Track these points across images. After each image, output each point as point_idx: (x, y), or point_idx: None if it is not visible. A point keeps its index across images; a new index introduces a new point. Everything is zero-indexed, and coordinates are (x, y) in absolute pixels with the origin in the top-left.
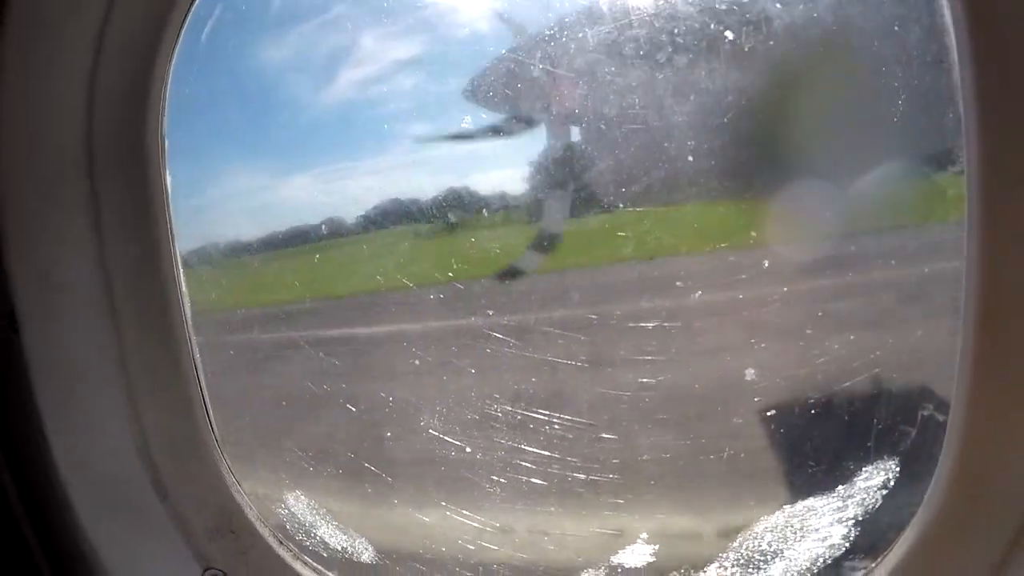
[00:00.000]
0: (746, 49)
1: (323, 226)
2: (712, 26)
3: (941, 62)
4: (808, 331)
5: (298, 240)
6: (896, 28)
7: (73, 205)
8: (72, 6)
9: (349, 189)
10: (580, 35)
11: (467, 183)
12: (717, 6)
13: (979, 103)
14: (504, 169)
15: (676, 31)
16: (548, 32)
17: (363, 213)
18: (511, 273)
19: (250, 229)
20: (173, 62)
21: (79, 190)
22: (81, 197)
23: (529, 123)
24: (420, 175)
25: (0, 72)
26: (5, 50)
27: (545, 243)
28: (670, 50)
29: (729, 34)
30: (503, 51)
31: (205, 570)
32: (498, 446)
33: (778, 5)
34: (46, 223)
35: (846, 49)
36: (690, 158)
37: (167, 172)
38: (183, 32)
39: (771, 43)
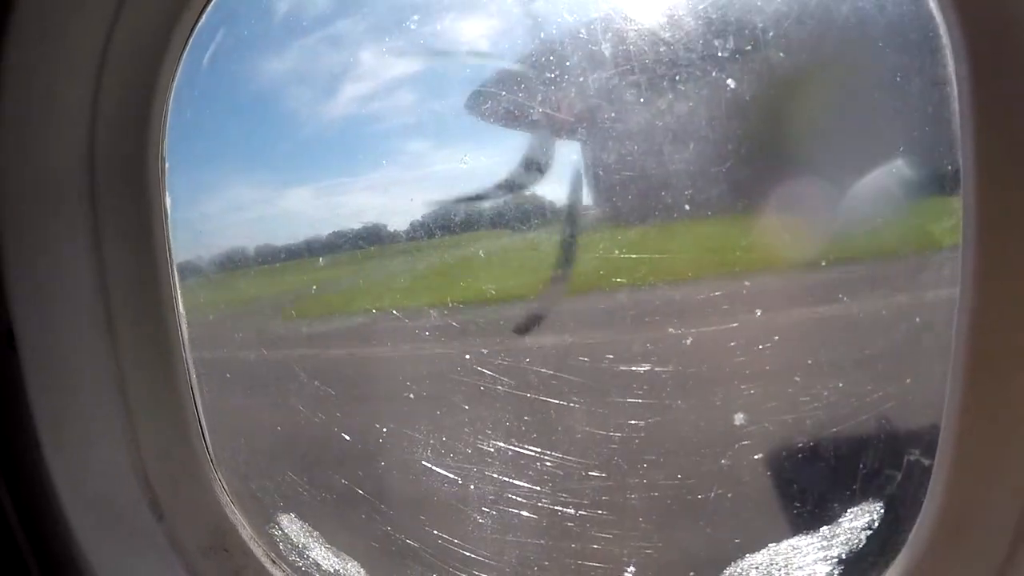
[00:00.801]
0: (747, 98)
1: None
2: (714, 74)
3: (938, 83)
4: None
5: (295, 255)
6: (892, 38)
7: (73, 223)
8: (75, 27)
9: (347, 204)
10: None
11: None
12: (719, 54)
13: (976, 120)
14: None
15: (677, 77)
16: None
17: (358, 229)
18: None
19: (247, 242)
20: (175, 84)
21: (79, 209)
22: (81, 216)
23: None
24: (420, 191)
25: (2, 88)
26: (6, 70)
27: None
28: (671, 96)
29: (731, 82)
30: (506, 64)
31: None
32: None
33: (781, 54)
34: (45, 241)
35: (841, 60)
36: (689, 167)
37: (167, 194)
38: (185, 54)
39: (771, 92)
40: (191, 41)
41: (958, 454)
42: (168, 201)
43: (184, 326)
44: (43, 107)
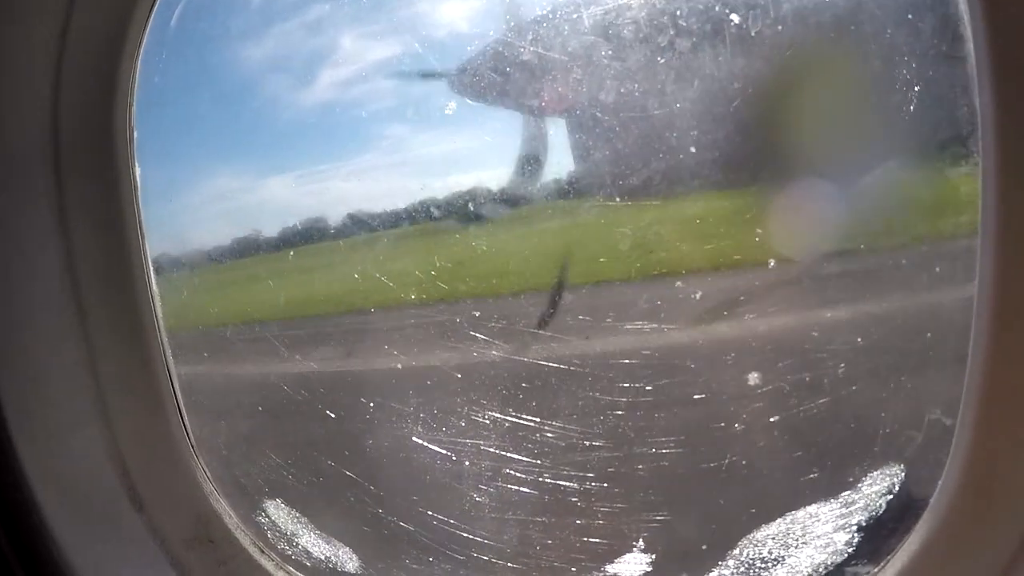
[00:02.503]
0: (753, 34)
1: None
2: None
3: (955, 54)
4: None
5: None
6: (909, 16)
7: (37, 199)
8: None
9: (330, 191)
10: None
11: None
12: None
13: (994, 95)
14: (492, 168)
15: (679, 13)
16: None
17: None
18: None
19: (226, 232)
20: (142, 49)
21: (44, 185)
22: (45, 191)
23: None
24: (404, 176)
25: None
26: None
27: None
28: (672, 33)
29: (735, 17)
30: (491, 36)
31: None
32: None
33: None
34: (8, 220)
35: (856, 36)
36: (692, 149)
37: (136, 165)
38: (152, 15)
39: (778, 28)
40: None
41: (982, 413)
42: (138, 172)
43: (158, 305)
44: (3, 81)
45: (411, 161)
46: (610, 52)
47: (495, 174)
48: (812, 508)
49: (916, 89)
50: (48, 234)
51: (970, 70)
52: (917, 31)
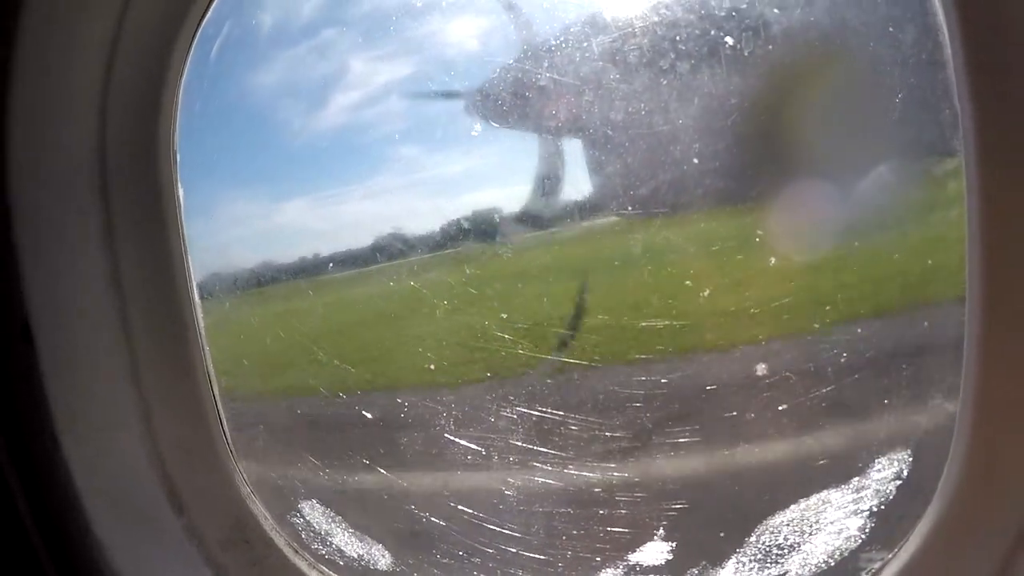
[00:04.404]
0: (746, 54)
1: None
2: (712, 32)
3: (936, 62)
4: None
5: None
6: (890, 28)
7: (85, 215)
8: (85, 17)
9: (344, 215)
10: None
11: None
12: (717, 13)
13: (974, 100)
14: (507, 187)
15: (678, 38)
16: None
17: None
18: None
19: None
20: (185, 73)
21: (91, 200)
22: (94, 207)
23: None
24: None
25: (14, 80)
26: (17, 62)
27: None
28: (672, 56)
29: (729, 40)
30: (503, 63)
31: None
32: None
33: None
34: (59, 232)
35: (842, 50)
36: (695, 160)
37: (179, 182)
38: (195, 43)
39: (769, 47)
40: (199, 32)
41: (981, 396)
42: (181, 192)
43: (200, 316)
44: (54, 99)
45: (427, 181)
46: (617, 75)
47: (508, 192)
48: (824, 494)
49: (901, 95)
50: (96, 248)
51: (950, 74)
52: (899, 42)
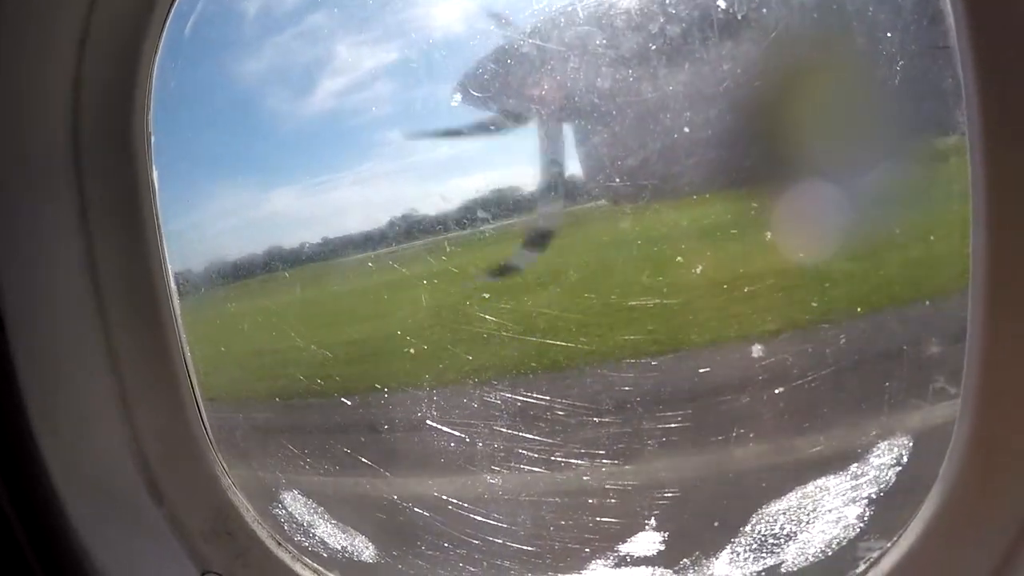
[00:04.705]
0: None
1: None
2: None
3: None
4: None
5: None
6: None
7: (59, 202)
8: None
9: (334, 202)
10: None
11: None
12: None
13: (979, 84)
14: (496, 169)
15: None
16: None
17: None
18: (503, 270)
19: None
20: (158, 57)
21: (66, 186)
22: (67, 194)
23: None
24: (409, 182)
25: None
26: None
27: (538, 241)
28: (662, 20)
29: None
30: (489, 44)
31: (203, 574)
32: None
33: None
34: (32, 220)
35: (840, 20)
36: (687, 129)
37: (154, 168)
38: (167, 25)
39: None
40: (173, 9)
41: (985, 378)
42: (155, 174)
43: (176, 303)
44: (25, 84)
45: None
46: (607, 44)
47: (498, 176)
48: (821, 481)
49: (901, 64)
50: (69, 233)
51: (953, 49)
52: (905, 24)
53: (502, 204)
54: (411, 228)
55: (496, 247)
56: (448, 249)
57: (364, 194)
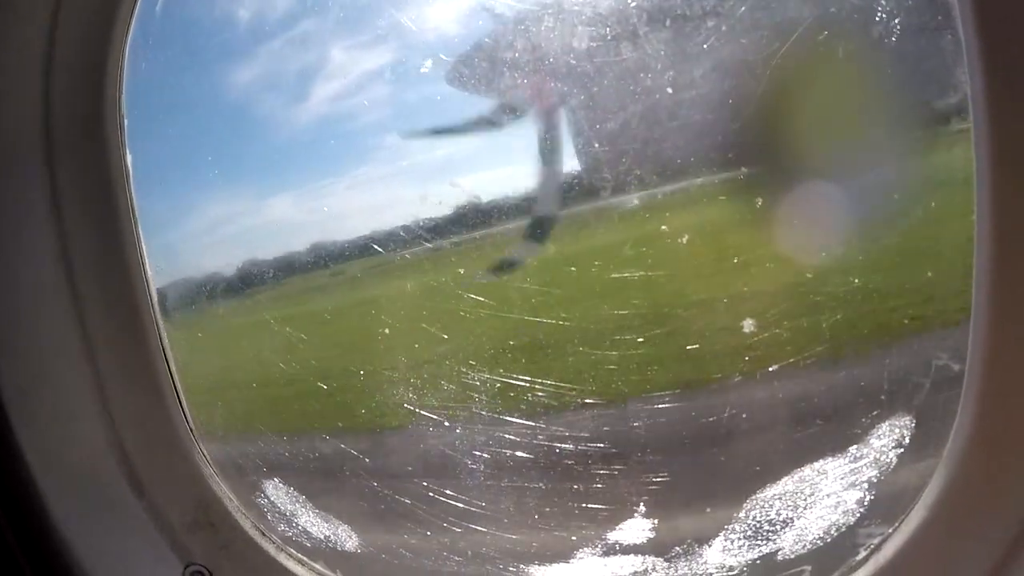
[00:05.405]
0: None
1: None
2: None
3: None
4: None
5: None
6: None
7: (30, 188)
8: None
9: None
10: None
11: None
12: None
13: (985, 74)
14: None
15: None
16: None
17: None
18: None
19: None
20: (130, 34)
21: (37, 171)
22: (38, 179)
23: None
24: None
25: None
26: None
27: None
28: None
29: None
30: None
31: (187, 566)
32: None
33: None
34: (2, 209)
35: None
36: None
37: (128, 152)
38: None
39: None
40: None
41: (991, 354)
42: (129, 158)
43: (154, 290)
44: None
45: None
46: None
47: (498, 175)
48: (820, 464)
49: (910, 65)
50: (43, 221)
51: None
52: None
53: (501, 204)
54: (409, 232)
55: (496, 247)
56: (448, 250)
57: (361, 199)
